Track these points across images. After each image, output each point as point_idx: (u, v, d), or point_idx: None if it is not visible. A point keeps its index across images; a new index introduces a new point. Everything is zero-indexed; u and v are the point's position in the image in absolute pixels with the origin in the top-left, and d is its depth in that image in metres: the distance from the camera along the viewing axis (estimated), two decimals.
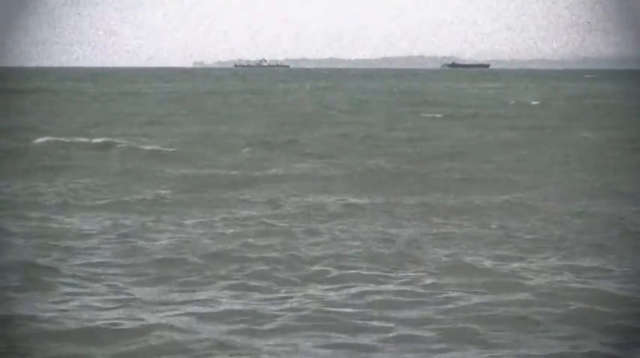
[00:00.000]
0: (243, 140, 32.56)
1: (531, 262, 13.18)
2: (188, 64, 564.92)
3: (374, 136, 34.99)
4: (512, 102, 66.52)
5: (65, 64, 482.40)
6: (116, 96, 72.97)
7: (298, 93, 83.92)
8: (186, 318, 10.15)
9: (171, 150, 29.10)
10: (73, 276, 12.09)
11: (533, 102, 65.15)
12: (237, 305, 10.74)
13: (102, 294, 11.23)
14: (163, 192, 20.18)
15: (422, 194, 19.82)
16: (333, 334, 9.68)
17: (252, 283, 11.87)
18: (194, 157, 27.28)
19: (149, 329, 9.66)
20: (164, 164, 25.56)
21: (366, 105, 61.82)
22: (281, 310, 10.54)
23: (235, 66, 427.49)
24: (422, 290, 11.42)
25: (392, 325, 9.96)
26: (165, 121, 43.01)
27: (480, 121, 44.52)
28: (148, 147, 29.58)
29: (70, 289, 11.41)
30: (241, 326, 9.96)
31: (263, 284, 11.80)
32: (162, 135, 35.14)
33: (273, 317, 10.27)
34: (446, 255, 13.44)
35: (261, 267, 12.67)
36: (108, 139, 31.22)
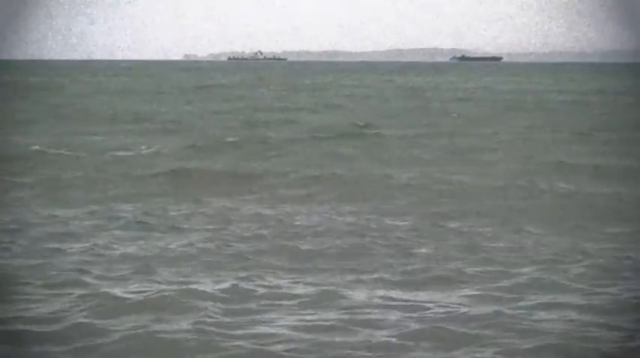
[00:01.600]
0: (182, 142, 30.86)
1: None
2: (179, 56, 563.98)
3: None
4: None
5: (54, 57, 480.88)
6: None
7: (272, 90, 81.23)
8: None
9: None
10: None
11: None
12: None
13: None
14: None
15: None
16: None
17: None
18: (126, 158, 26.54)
19: None
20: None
21: (339, 103, 58.79)
22: None
23: (229, 59, 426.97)
24: None
25: None
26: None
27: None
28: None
29: None
30: None
31: None
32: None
33: None
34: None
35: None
36: None
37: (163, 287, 11.69)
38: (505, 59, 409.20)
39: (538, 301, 11.21)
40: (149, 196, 19.75)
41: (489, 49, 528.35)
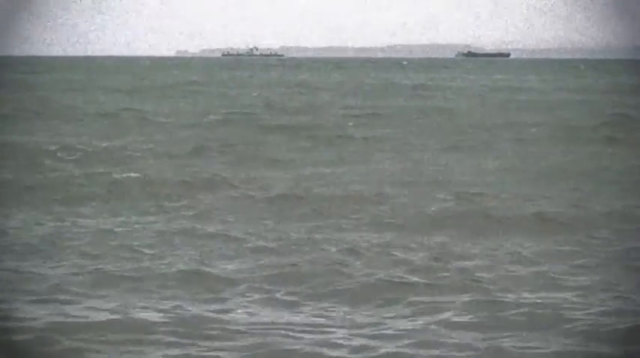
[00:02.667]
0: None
1: None
2: (172, 52, 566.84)
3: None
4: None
5: (42, 54, 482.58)
6: None
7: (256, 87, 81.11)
8: None
9: None
10: None
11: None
12: None
13: None
14: None
15: None
16: None
17: None
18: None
19: None
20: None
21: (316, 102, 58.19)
22: None
23: (223, 55, 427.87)
24: None
25: None
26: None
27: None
28: None
29: None
30: None
31: None
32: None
33: None
34: None
35: None
36: None
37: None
38: (513, 55, 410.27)
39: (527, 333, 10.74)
40: (104, 202, 19.49)
41: (497, 45, 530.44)
